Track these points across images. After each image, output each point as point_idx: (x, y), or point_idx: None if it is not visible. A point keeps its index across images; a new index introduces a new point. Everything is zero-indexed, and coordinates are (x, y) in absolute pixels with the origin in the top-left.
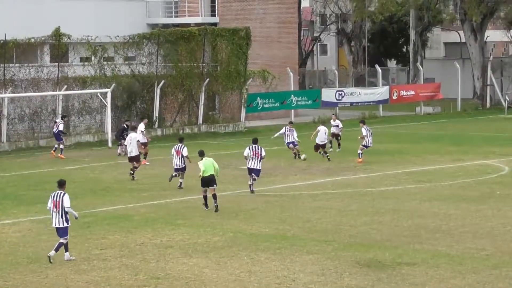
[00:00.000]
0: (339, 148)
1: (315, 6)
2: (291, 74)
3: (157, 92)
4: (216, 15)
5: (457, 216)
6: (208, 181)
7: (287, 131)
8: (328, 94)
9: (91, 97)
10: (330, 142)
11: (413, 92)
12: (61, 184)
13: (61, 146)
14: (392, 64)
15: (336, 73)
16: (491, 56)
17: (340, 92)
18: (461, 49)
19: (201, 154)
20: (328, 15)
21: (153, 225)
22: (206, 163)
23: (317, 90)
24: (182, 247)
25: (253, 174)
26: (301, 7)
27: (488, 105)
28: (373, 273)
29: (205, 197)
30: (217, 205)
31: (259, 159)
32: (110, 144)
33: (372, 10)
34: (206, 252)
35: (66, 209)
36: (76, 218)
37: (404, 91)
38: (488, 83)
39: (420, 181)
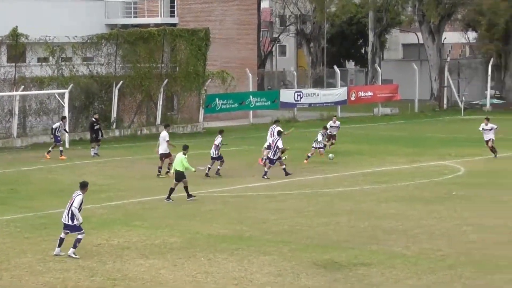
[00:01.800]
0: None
1: (275, 7)
2: (250, 75)
3: (115, 92)
4: (176, 16)
5: (413, 216)
6: (176, 176)
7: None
8: (286, 95)
9: (48, 98)
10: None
11: (371, 93)
12: (82, 186)
13: (60, 148)
14: (350, 65)
15: (295, 74)
16: (449, 58)
17: (298, 93)
18: (419, 51)
19: (184, 149)
20: (287, 16)
21: (110, 226)
22: (175, 159)
23: (275, 91)
24: (139, 248)
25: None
26: (261, 8)
27: (445, 106)
28: (329, 274)
29: (172, 189)
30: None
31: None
32: (67, 145)
33: (333, 12)
34: (163, 253)
35: (72, 208)
36: (79, 222)
37: (362, 92)
38: (445, 84)
39: (377, 182)
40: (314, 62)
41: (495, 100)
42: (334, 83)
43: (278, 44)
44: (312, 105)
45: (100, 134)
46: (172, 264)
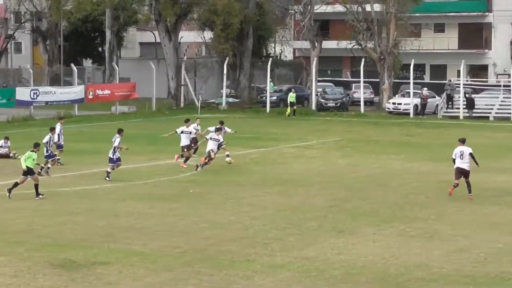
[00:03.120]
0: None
1: (9, 3)
2: None
3: None
4: None
5: (152, 214)
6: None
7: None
8: (22, 93)
9: None
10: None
11: (109, 92)
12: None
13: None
14: (88, 63)
15: (31, 71)
16: (185, 57)
17: (35, 91)
18: (156, 49)
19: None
20: (22, 13)
21: None
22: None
23: (11, 89)
24: None
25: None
26: None
27: (182, 104)
28: (67, 273)
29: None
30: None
31: None
32: None
33: (69, 9)
34: None
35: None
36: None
37: (100, 90)
38: (182, 83)
39: (116, 180)
40: (51, 60)
41: (231, 99)
42: (71, 81)
43: (13, 41)
44: (49, 103)
45: None
46: None
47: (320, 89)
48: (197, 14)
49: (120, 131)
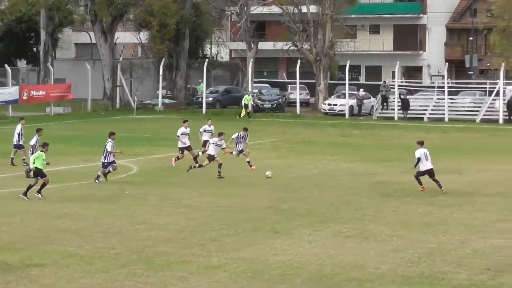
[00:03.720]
0: None
1: None
2: None
3: None
4: None
5: (88, 216)
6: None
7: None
8: None
9: None
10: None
11: (44, 92)
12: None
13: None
14: (22, 64)
15: None
16: (121, 58)
17: None
18: (92, 50)
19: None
20: None
21: None
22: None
23: None
24: None
25: None
26: None
27: (118, 105)
28: (1, 276)
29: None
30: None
31: None
32: None
33: (2, 10)
34: None
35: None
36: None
37: (35, 91)
38: (118, 84)
39: (51, 181)
40: None
41: (167, 100)
42: (5, 82)
43: None
44: None
45: None
46: None
47: (256, 90)
48: (133, 15)
49: (111, 135)
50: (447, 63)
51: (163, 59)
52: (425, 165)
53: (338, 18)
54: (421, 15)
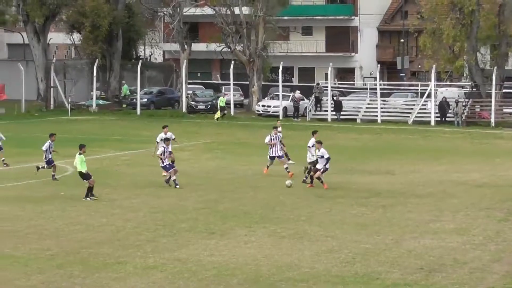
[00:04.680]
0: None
1: None
2: None
3: None
4: None
5: (23, 217)
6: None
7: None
8: None
9: None
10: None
11: None
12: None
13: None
14: None
15: None
16: (55, 59)
17: None
18: (24, 51)
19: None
20: None
21: None
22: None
23: None
24: None
25: None
26: None
27: (52, 106)
28: None
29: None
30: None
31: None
32: None
33: None
34: None
35: None
36: None
37: None
38: (52, 85)
39: None
40: None
41: (101, 101)
42: None
43: None
44: None
45: None
46: None
47: (190, 92)
48: (65, 16)
49: (51, 135)
50: (379, 65)
51: (97, 60)
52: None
53: (271, 20)
54: (353, 17)
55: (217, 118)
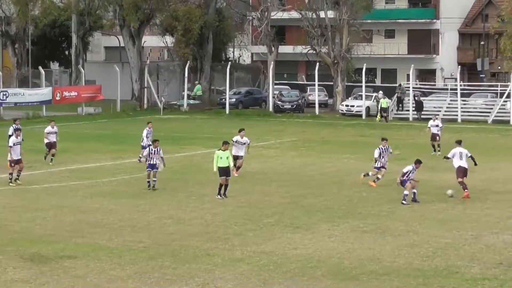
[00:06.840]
0: (439, 149)
1: None
2: None
3: None
4: None
5: (117, 211)
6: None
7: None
8: None
9: None
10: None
11: (76, 93)
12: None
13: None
14: (55, 66)
15: (0, 74)
16: (148, 60)
17: (4, 93)
18: (120, 53)
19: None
20: None
21: None
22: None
23: None
24: None
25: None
26: None
27: (145, 106)
28: (36, 267)
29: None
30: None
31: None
32: None
33: (36, 14)
34: None
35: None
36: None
37: (67, 92)
38: (145, 85)
39: (83, 178)
40: (20, 63)
41: (192, 101)
42: (39, 83)
43: None
44: (18, 104)
45: None
46: None
47: (276, 92)
48: (159, 20)
49: (148, 123)
50: (459, 66)
51: (188, 62)
52: (459, 163)
53: (355, 23)
54: (434, 20)
55: (379, 120)
